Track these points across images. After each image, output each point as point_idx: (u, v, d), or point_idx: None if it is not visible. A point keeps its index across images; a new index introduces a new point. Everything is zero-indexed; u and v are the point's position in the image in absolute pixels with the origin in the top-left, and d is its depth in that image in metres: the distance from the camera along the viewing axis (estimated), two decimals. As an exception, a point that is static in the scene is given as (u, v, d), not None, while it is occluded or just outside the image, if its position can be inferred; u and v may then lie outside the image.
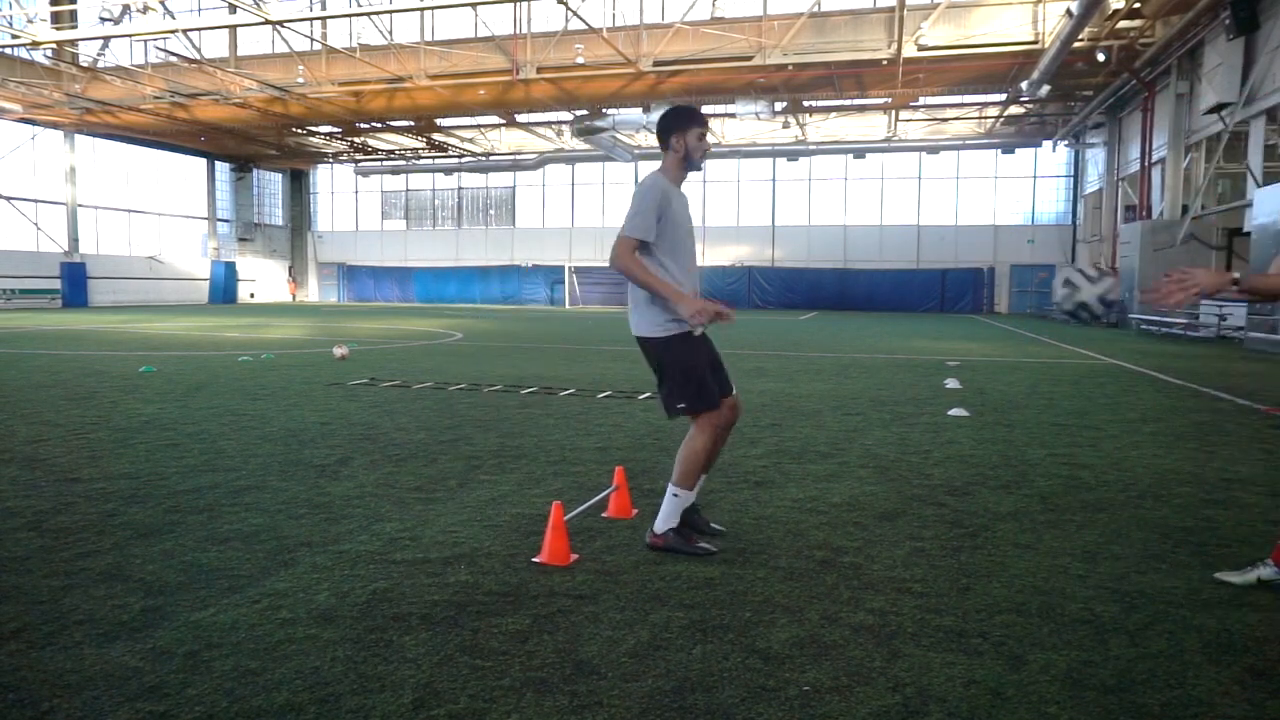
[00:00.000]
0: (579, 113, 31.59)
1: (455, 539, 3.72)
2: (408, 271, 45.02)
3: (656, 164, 3.72)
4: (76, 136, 35.24)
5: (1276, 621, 2.91)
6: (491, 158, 41.48)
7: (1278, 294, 2.93)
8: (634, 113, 30.47)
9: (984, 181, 38.25)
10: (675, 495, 3.54)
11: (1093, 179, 32.65)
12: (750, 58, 24.37)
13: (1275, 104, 17.24)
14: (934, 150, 37.25)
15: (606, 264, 46.19)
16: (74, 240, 35.46)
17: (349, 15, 24.93)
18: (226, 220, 43.48)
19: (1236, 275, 2.84)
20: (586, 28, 23.10)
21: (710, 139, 3.63)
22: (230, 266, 41.89)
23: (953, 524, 4.06)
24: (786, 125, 33.37)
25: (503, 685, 2.39)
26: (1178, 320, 19.65)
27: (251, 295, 43.72)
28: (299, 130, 35.90)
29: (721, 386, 3.59)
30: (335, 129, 36.02)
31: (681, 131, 3.50)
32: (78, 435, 6.07)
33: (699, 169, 3.61)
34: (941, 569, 3.41)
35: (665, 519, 3.55)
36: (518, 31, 26.21)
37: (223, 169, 42.86)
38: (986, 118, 33.35)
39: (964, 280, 37.24)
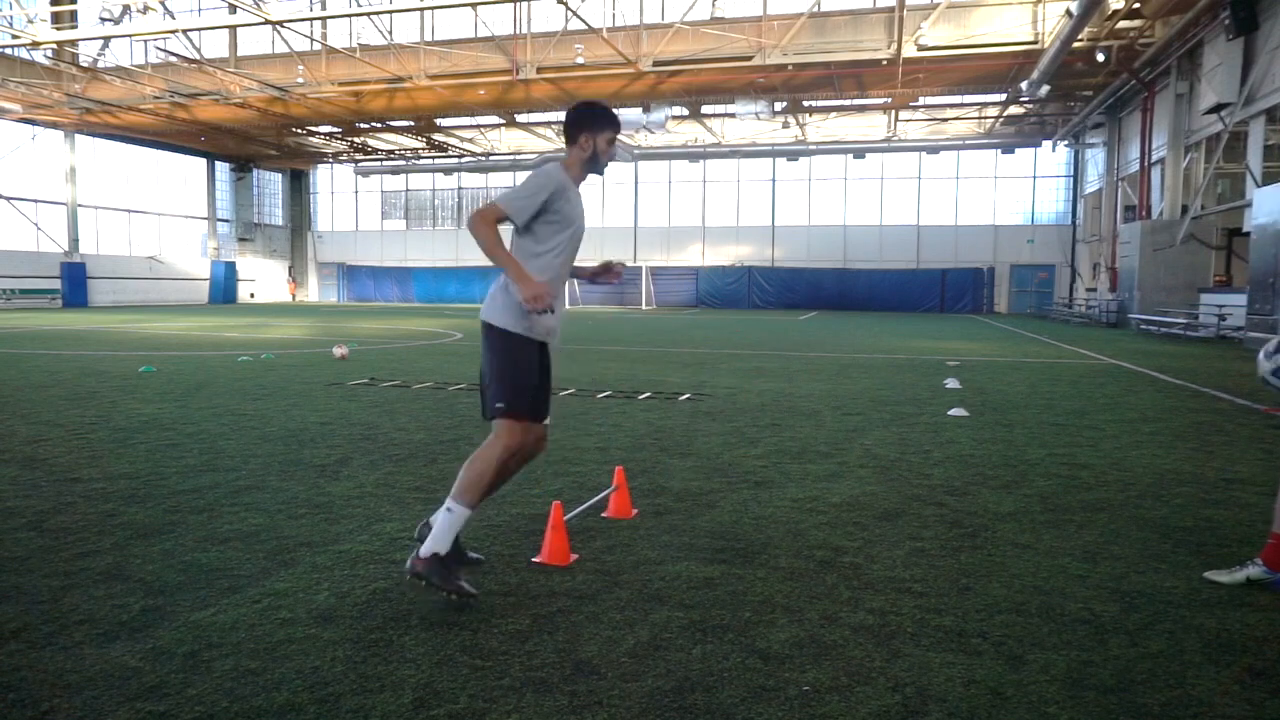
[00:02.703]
0: (579, 113, 31.59)
1: (455, 539, 3.71)
2: (408, 271, 45.03)
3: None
4: (76, 136, 35.25)
5: (1276, 621, 2.92)
6: (491, 158, 41.47)
7: None
8: (634, 113, 30.47)
9: (984, 181, 38.26)
10: (450, 511, 3.06)
11: (1092, 179, 32.66)
12: (750, 58, 24.38)
13: (1275, 104, 17.24)
14: (934, 150, 37.26)
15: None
16: (74, 240, 35.47)
17: (349, 15, 24.93)
18: (226, 220, 43.49)
19: None
20: (586, 28, 23.10)
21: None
22: (230, 266, 41.89)
23: (953, 524, 4.06)
24: (786, 125, 33.38)
25: (503, 685, 2.39)
26: (1178, 320, 19.66)
27: (251, 295, 43.72)
28: (299, 130, 35.90)
29: (538, 411, 3.29)
30: (335, 129, 36.03)
31: (593, 133, 3.30)
32: (78, 435, 6.07)
33: (601, 173, 3.43)
34: (941, 569, 3.41)
35: (436, 541, 3.02)
36: (518, 31, 26.22)
37: (223, 169, 42.87)
38: (986, 118, 33.35)
39: (964, 280, 37.24)
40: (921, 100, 30.93)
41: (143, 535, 3.72)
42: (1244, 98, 18.36)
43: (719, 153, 38.50)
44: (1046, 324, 26.43)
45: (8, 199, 33.24)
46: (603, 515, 4.12)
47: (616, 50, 23.90)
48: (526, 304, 3.04)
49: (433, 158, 42.04)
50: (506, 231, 3.23)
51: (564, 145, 3.41)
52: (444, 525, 3.06)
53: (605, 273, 3.61)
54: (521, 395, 3.19)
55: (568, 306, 35.98)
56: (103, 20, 22.48)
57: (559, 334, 3.39)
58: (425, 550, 3.00)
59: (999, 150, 36.80)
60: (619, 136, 3.43)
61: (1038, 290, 37.25)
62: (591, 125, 3.30)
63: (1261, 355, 3.48)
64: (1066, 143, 33.96)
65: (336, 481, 4.77)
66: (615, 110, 3.39)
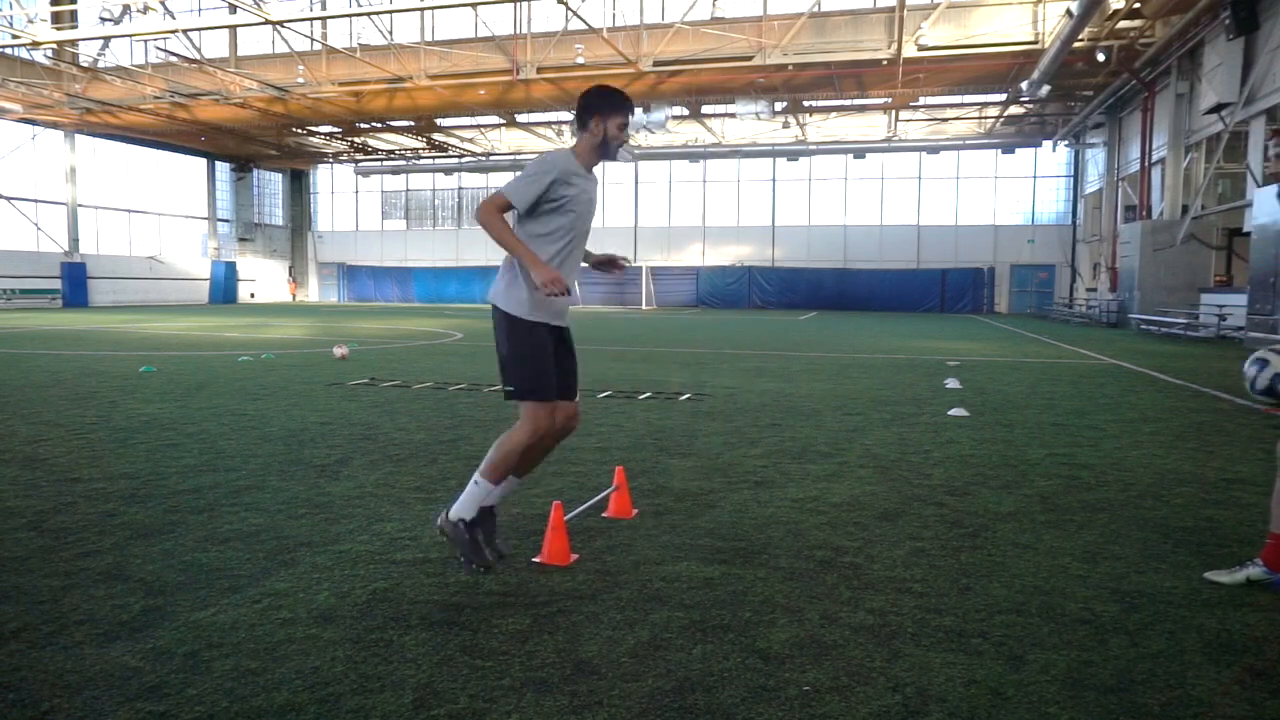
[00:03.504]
0: (579, 113, 31.60)
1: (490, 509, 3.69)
2: (408, 271, 45.04)
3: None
4: (77, 136, 35.26)
5: (1276, 621, 2.91)
6: (491, 158, 41.48)
7: None
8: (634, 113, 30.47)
9: (984, 181, 38.26)
10: (476, 484, 3.25)
11: (1093, 179, 32.65)
12: (750, 58, 24.38)
13: (1275, 104, 17.24)
14: (934, 150, 37.26)
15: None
16: (74, 240, 35.48)
17: (349, 15, 24.94)
18: (226, 220, 43.50)
19: None
20: (586, 28, 23.11)
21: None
22: (230, 266, 41.90)
23: (953, 524, 4.06)
24: (786, 125, 33.38)
25: (503, 685, 2.38)
26: (1178, 320, 19.66)
27: (251, 295, 43.73)
28: (299, 130, 35.91)
29: (564, 390, 3.35)
30: (335, 129, 36.03)
31: (604, 116, 3.26)
32: (78, 435, 6.07)
33: (613, 159, 3.43)
34: (941, 569, 3.41)
35: (461, 506, 3.23)
36: (518, 31, 26.22)
37: (223, 169, 42.88)
38: (986, 118, 33.35)
39: (964, 280, 37.24)
40: (921, 100, 30.93)
41: (143, 535, 3.72)
42: (1244, 98, 18.36)
43: (719, 153, 38.49)
44: (1047, 324, 26.43)
45: (8, 199, 33.24)
46: (603, 515, 4.12)
47: (616, 50, 23.90)
48: (543, 288, 3.06)
49: (433, 158, 42.04)
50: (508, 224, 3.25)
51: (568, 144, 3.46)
52: (469, 494, 3.26)
53: (609, 264, 3.63)
54: (532, 379, 3.22)
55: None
56: (103, 20, 22.48)
57: (568, 315, 3.40)
58: (453, 513, 3.24)
59: (999, 150, 36.80)
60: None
61: (1038, 290, 37.24)
62: (601, 108, 3.27)
63: (1249, 365, 3.49)
64: (1067, 143, 33.96)
65: (336, 481, 4.77)
66: (617, 95, 3.36)
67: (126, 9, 22.53)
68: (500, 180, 43.94)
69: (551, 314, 3.29)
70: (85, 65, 29.44)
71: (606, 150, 3.33)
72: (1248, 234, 18.16)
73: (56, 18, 28.74)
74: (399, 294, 44.87)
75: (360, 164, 44.04)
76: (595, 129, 3.28)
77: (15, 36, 24.68)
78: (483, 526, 3.30)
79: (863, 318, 30.01)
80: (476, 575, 3.22)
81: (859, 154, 37.90)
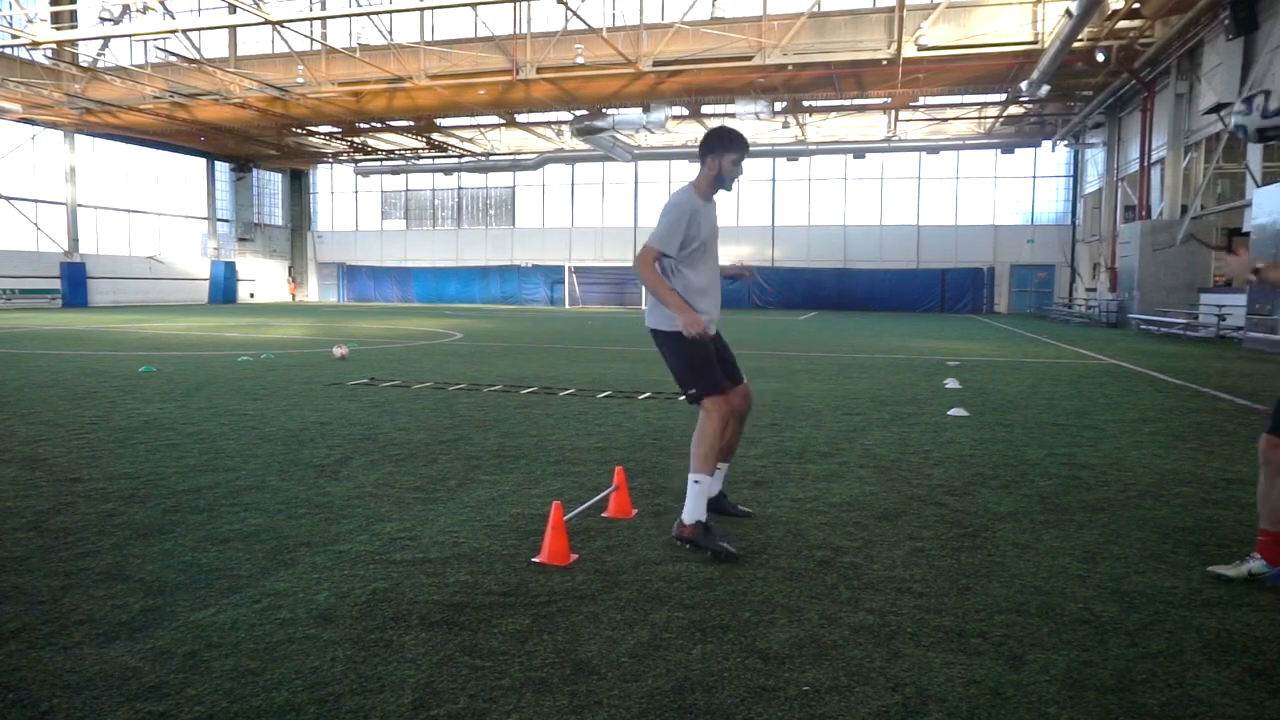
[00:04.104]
0: (579, 113, 31.59)
1: (455, 539, 3.72)
2: (407, 271, 45.03)
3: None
4: (76, 136, 35.25)
5: (1276, 621, 2.92)
6: (491, 158, 41.48)
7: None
8: (634, 113, 30.46)
9: (984, 181, 38.26)
10: (696, 482, 3.59)
11: (1092, 179, 32.65)
12: (750, 58, 24.37)
13: (1275, 104, 17.23)
14: (934, 150, 37.24)
15: (606, 264, 45.71)
16: (74, 240, 35.47)
17: (349, 15, 24.93)
18: (226, 220, 43.49)
19: (1259, 264, 3.17)
20: (586, 28, 23.09)
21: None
22: (230, 266, 41.90)
23: (953, 524, 4.06)
24: (786, 125, 33.37)
25: (503, 685, 2.39)
26: (1178, 320, 19.66)
27: (251, 295, 43.73)
28: (299, 130, 35.89)
29: (731, 375, 3.86)
30: (335, 129, 36.02)
31: (718, 155, 3.74)
32: (78, 435, 6.07)
33: (729, 189, 3.86)
34: (941, 569, 3.41)
35: (692, 510, 3.58)
36: (518, 31, 26.20)
37: (223, 169, 42.87)
38: (986, 118, 33.35)
39: (964, 280, 37.24)
40: (921, 100, 30.91)
41: (143, 535, 3.71)
42: (1244, 97, 18.35)
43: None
44: (1046, 324, 26.43)
45: (8, 199, 33.24)
46: (603, 515, 4.12)
47: (616, 50, 23.89)
48: (686, 330, 3.58)
49: (433, 158, 42.02)
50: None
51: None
52: (694, 495, 3.58)
53: (739, 273, 4.23)
54: (705, 378, 3.70)
55: (570, 306, 35.62)
56: (103, 20, 22.48)
57: (717, 322, 3.87)
58: (688, 519, 3.56)
59: (999, 150, 36.78)
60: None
61: (1038, 290, 37.23)
62: (717, 148, 3.76)
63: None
64: (1066, 143, 33.96)
65: (336, 481, 4.77)
66: (732, 135, 3.82)
67: (126, 9, 22.52)
68: (500, 180, 44.01)
69: (711, 324, 3.77)
70: (85, 65, 29.43)
71: (723, 182, 3.81)
72: (1247, 234, 18.16)
73: (56, 18, 28.74)
74: (399, 294, 44.87)
75: (360, 164, 44.03)
76: (712, 164, 3.78)
77: (15, 36, 24.67)
78: (717, 502, 3.89)
79: (862, 318, 30.01)
80: (727, 559, 3.47)
81: (859, 154, 37.88)
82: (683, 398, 3.93)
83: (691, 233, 3.69)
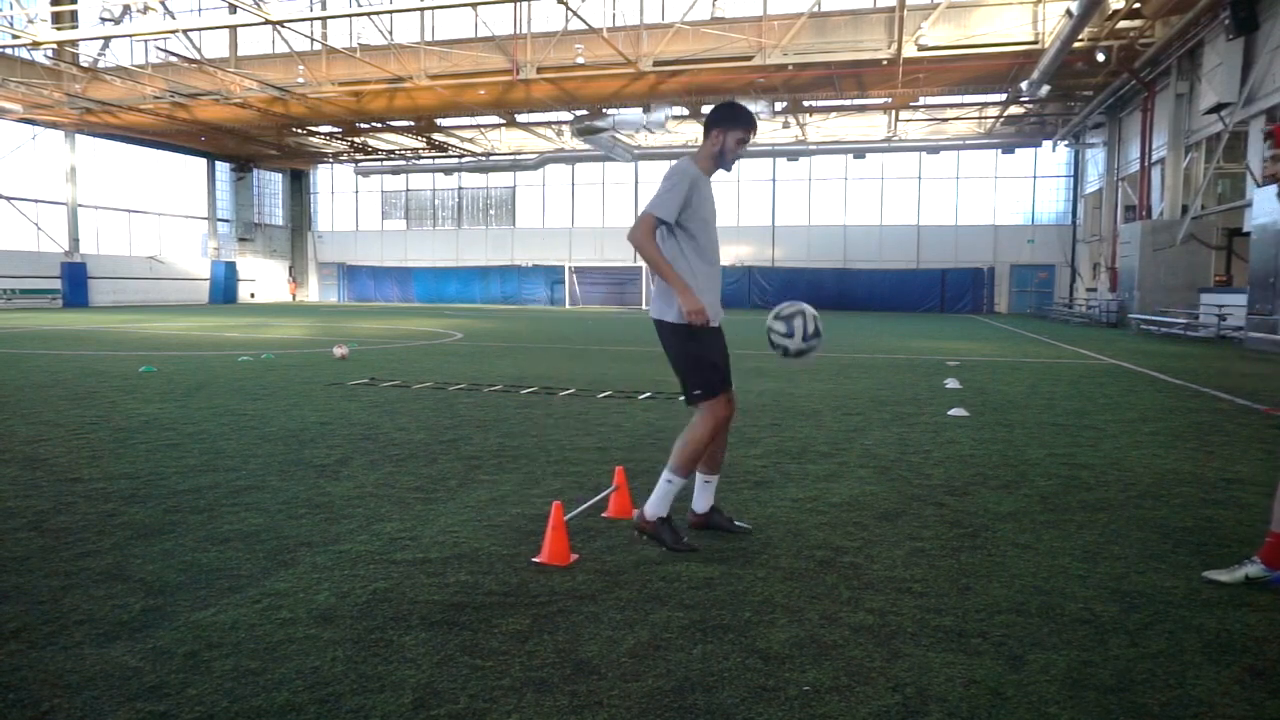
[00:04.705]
0: (579, 113, 31.59)
1: (455, 539, 3.72)
2: (408, 271, 45.04)
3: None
4: (77, 136, 35.26)
5: (1276, 621, 2.91)
6: (491, 158, 41.48)
7: None
8: (634, 113, 30.46)
9: (984, 181, 38.26)
10: (669, 481, 3.61)
11: (1093, 179, 32.65)
12: (750, 58, 24.38)
13: (1275, 104, 17.23)
14: (934, 150, 37.24)
15: (606, 264, 45.65)
16: (74, 240, 35.48)
17: (349, 15, 24.94)
18: (226, 220, 43.50)
19: None
20: (586, 28, 23.10)
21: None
22: (230, 266, 41.91)
23: (953, 524, 4.06)
24: (786, 125, 33.37)
25: (503, 685, 2.38)
26: (1178, 320, 19.65)
27: (251, 295, 43.74)
28: (299, 130, 35.90)
29: (727, 381, 3.78)
30: (335, 129, 36.02)
31: (724, 129, 3.58)
32: (78, 435, 6.07)
33: (729, 169, 3.71)
34: (941, 569, 3.41)
35: (655, 504, 3.60)
36: (518, 31, 26.21)
37: (223, 169, 42.88)
38: (986, 118, 33.35)
39: (964, 280, 37.25)
40: (921, 100, 30.91)
41: (143, 535, 3.72)
42: (1244, 98, 18.36)
43: (718, 152, 38.41)
44: (1046, 324, 26.43)
45: (8, 199, 33.25)
46: (603, 515, 4.12)
47: (617, 50, 23.90)
48: (687, 317, 3.47)
49: (433, 158, 42.03)
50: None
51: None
52: (662, 493, 3.60)
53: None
54: (712, 376, 3.64)
55: (570, 306, 35.59)
56: (103, 20, 22.49)
57: (721, 314, 3.75)
58: (650, 513, 3.59)
59: (999, 150, 36.78)
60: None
61: (1038, 290, 37.24)
62: (723, 122, 3.59)
63: (773, 318, 3.74)
64: (1066, 143, 33.95)
65: (336, 481, 4.77)
66: (741, 111, 3.68)
67: (126, 9, 22.53)
68: (500, 180, 43.99)
69: (714, 316, 3.64)
70: (85, 65, 29.44)
71: (723, 161, 3.65)
72: (1247, 234, 18.17)
73: (56, 18, 28.73)
74: (399, 294, 44.88)
75: (360, 164, 44.03)
76: (716, 139, 3.60)
77: (15, 36, 24.68)
78: (710, 518, 3.82)
79: (862, 318, 30.00)
80: (687, 554, 3.50)
81: (859, 154, 37.88)
82: (682, 397, 3.83)
83: (694, 201, 3.53)
